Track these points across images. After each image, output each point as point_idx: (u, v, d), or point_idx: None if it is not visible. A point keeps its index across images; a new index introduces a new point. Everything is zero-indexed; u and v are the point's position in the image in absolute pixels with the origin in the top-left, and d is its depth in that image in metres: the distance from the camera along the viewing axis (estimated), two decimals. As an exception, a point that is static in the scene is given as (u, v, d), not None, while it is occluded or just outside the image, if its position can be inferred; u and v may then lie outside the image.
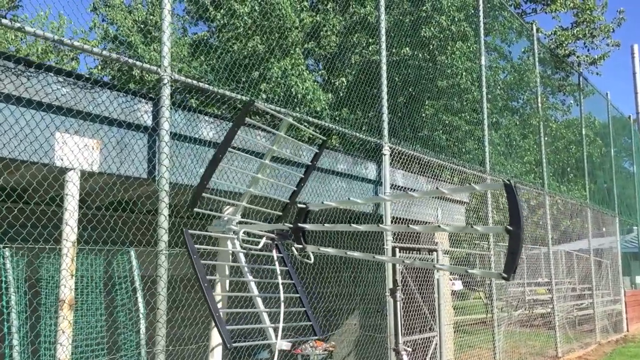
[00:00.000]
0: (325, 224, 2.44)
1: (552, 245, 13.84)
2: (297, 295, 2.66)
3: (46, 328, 4.57)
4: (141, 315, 5.12)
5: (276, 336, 2.42)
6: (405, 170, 8.43)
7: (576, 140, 15.96)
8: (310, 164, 2.77)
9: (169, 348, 4.61)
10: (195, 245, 2.28)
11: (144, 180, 4.84)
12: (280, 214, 2.77)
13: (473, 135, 11.99)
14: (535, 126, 13.61)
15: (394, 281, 6.40)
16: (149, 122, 4.90)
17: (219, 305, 2.56)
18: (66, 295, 4.18)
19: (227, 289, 2.66)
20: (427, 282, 8.41)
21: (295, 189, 2.75)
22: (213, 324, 2.53)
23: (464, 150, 11.89)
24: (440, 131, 11.95)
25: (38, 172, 4.30)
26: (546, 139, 13.71)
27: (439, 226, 2.00)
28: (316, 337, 2.71)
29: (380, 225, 2.21)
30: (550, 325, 13.73)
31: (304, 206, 2.46)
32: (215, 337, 2.58)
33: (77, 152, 4.36)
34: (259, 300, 2.55)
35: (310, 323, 2.62)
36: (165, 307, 4.63)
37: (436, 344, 8.27)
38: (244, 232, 2.50)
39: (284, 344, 2.40)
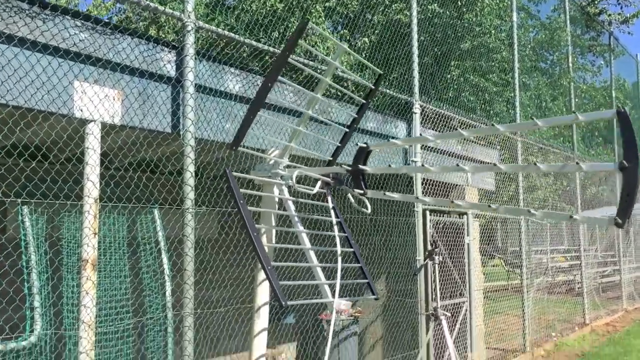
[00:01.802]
0: (391, 165, 2.13)
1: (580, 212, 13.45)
2: (352, 249, 2.36)
3: (68, 289, 4.34)
4: (167, 277, 4.88)
5: (333, 294, 2.13)
6: (436, 131, 8.07)
7: (606, 102, 15.40)
8: (364, 101, 2.44)
9: (197, 311, 4.37)
10: (244, 190, 1.98)
11: (168, 134, 4.54)
12: (331, 158, 2.46)
13: (502, 96, 11.54)
14: (565, 87, 13.10)
15: (432, 243, 6.10)
16: (173, 73, 4.59)
17: (265, 259, 2.28)
18: (89, 255, 3.94)
19: (273, 241, 2.37)
20: (457, 247, 8.11)
21: (347, 130, 2.44)
22: (258, 280, 2.26)
23: (492, 112, 11.46)
24: (468, 92, 11.51)
25: (57, 123, 4.02)
26: (576, 100, 13.22)
27: (536, 165, 1.68)
28: (373, 297, 2.43)
29: (460, 165, 1.89)
30: (574, 292, 13.44)
31: (364, 146, 2.15)
32: (262, 295, 2.30)
33: (97, 103, 4.07)
34: (312, 254, 2.26)
35: (367, 281, 2.33)
36: (192, 268, 4.39)
37: (466, 310, 8.01)
38: (285, 174, 2.20)
39: (342, 303, 2.12)
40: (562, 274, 15.35)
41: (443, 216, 7.78)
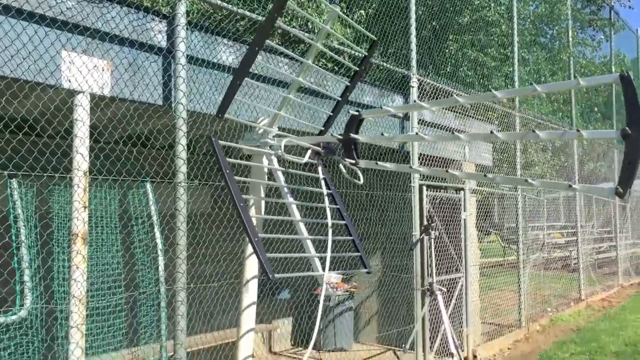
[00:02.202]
0: (384, 134, 2.05)
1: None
2: (343, 222, 2.29)
3: (59, 263, 4.28)
4: (159, 252, 4.83)
5: (323, 267, 2.06)
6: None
7: (606, 78, 15.23)
8: (358, 69, 2.35)
9: (190, 285, 4.32)
10: (230, 159, 1.90)
11: (159, 106, 4.45)
12: (322, 128, 2.38)
13: (500, 71, 11.42)
14: (564, 62, 12.97)
15: (429, 218, 6.04)
16: (164, 43, 4.48)
17: (255, 231, 2.21)
18: (79, 229, 3.87)
19: (262, 212, 2.30)
20: (453, 222, 8.07)
21: (340, 99, 2.35)
22: (247, 253, 2.19)
23: (490, 87, 11.35)
24: (466, 67, 11.38)
25: (44, 94, 3.92)
26: (575, 75, 13.10)
27: (535, 133, 1.60)
28: (366, 270, 2.37)
29: (456, 133, 1.80)
30: (570, 268, 13.48)
31: (356, 113, 2.07)
32: (250, 269, 2.23)
33: (86, 74, 3.97)
34: (302, 226, 2.19)
35: (359, 254, 2.27)
36: (185, 242, 4.33)
37: (462, 285, 8.00)
38: (273, 143, 2.10)
39: (333, 276, 2.05)
40: (559, 250, 15.38)
41: (440, 192, 7.73)
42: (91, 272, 4.37)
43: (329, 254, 2.06)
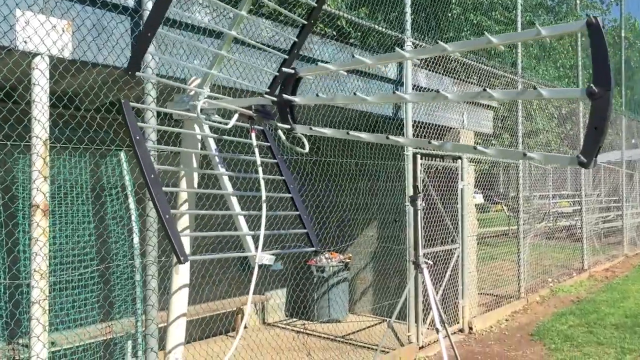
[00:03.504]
0: (319, 94, 1.80)
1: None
2: (289, 195, 2.05)
3: (25, 236, 4.09)
4: (134, 224, 4.63)
5: (256, 247, 1.84)
6: (430, 71, 7.65)
7: (615, 43, 14.78)
8: (306, 22, 2.07)
9: (162, 259, 4.14)
10: (141, 124, 1.66)
11: (126, 70, 4.18)
12: (267, 90, 2.11)
13: (504, 35, 11.02)
14: (571, 26, 12.50)
15: (415, 188, 5.79)
16: (130, 2, 4.20)
17: (184, 207, 1.98)
18: (38, 200, 3.67)
19: (195, 185, 2.06)
20: (450, 192, 7.82)
21: (287, 57, 2.08)
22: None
23: (493, 52, 10.97)
24: (468, 32, 10.99)
25: (-4, 57, 3.67)
26: (583, 39, 12.65)
27: (484, 89, 1.36)
28: (313, 249, 2.14)
29: (398, 93, 1.54)
30: (575, 237, 13.26)
31: (292, 72, 1.81)
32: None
33: (43, 35, 3.71)
34: (234, 201, 1.95)
35: (305, 231, 2.03)
36: (155, 214, 4.12)
37: (458, 256, 7.79)
38: (204, 107, 1.84)
39: (265, 258, 1.82)
40: (564, 219, 15.14)
41: (435, 160, 7.45)
42: (59, 245, 4.18)
43: (262, 232, 1.83)
